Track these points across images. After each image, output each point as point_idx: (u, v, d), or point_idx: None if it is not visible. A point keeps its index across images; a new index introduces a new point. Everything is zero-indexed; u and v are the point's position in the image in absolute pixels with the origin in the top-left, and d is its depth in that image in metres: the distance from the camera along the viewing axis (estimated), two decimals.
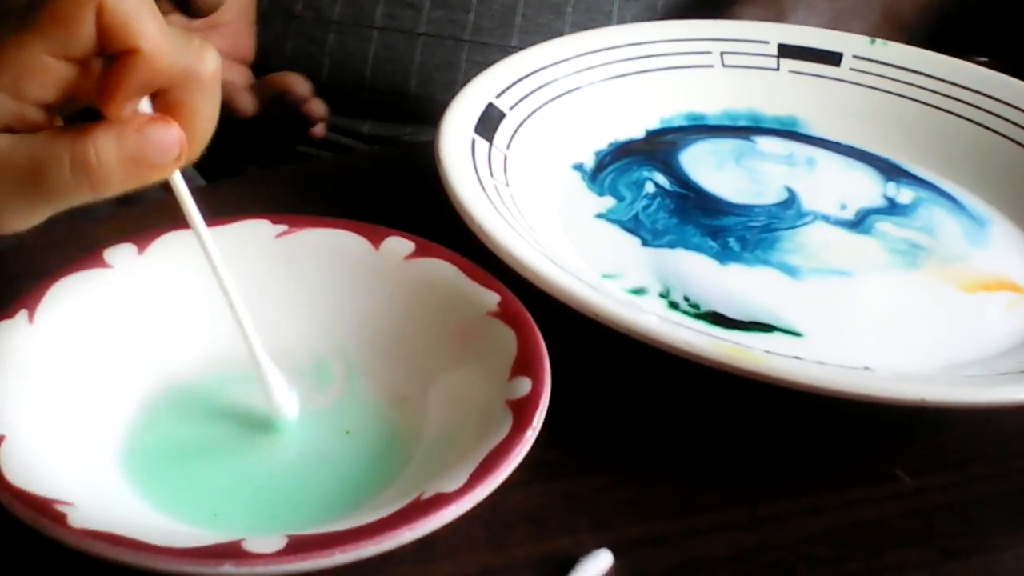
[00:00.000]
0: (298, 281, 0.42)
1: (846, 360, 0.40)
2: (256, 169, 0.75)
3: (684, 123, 0.58)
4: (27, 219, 0.33)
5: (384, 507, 0.32)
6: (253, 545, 0.30)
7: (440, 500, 0.31)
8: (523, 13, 0.69)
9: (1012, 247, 0.50)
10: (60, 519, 0.30)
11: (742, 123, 0.58)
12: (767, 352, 0.39)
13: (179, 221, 0.36)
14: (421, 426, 0.38)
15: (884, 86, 0.59)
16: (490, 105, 0.52)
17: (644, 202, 0.51)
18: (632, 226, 0.50)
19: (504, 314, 0.39)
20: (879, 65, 0.60)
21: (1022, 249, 0.50)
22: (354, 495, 0.35)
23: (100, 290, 0.39)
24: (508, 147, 0.51)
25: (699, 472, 0.39)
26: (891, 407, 0.37)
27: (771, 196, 0.53)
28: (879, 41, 0.60)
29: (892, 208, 0.52)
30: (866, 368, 0.39)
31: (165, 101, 0.32)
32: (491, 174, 0.48)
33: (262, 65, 0.72)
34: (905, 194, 0.54)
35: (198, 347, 0.40)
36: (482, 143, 0.50)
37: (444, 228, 0.43)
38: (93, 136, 0.31)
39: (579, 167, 0.54)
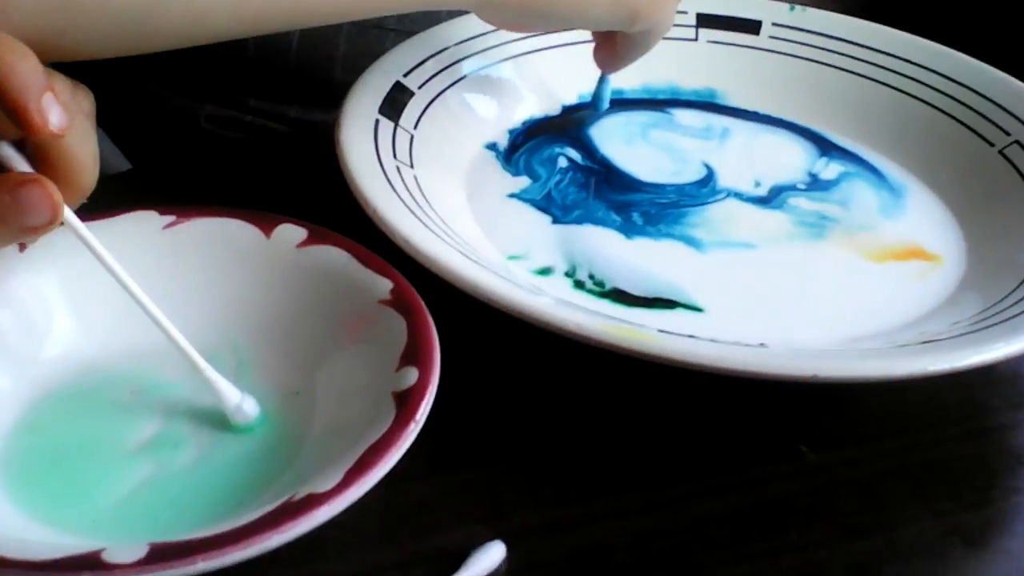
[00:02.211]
0: (187, 273, 0.40)
1: (745, 335, 0.40)
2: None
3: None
4: None
5: (261, 509, 0.31)
6: (113, 555, 0.29)
7: (311, 501, 0.30)
8: None
9: (927, 215, 0.50)
10: None
11: (661, 97, 0.57)
12: (661, 331, 0.38)
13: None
14: (311, 420, 0.37)
15: (804, 53, 0.58)
16: (397, 84, 0.51)
17: (557, 178, 0.50)
18: (544, 204, 0.49)
19: (396, 302, 0.38)
20: (799, 32, 0.59)
21: (936, 217, 0.50)
22: (239, 496, 0.34)
23: None
24: (415, 127, 0.50)
25: (597, 457, 0.38)
26: (795, 383, 0.36)
27: (689, 174, 0.52)
28: (798, 7, 0.59)
29: (813, 184, 0.52)
30: (761, 344, 0.38)
31: (41, 151, 0.32)
32: (394, 155, 0.47)
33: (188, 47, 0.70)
34: (832, 169, 0.53)
35: (85, 344, 0.39)
36: (386, 123, 0.49)
37: (349, 213, 0.42)
38: None
39: (492, 147, 0.53)
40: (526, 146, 0.53)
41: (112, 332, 0.39)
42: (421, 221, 0.42)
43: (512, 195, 0.50)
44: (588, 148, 0.53)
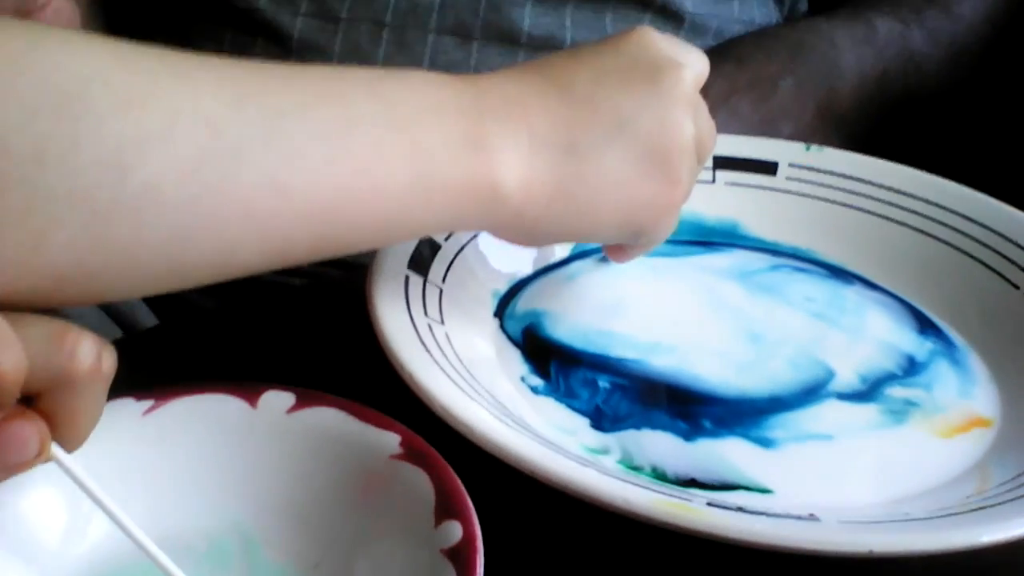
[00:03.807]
0: (175, 458, 0.39)
1: (792, 496, 0.39)
2: (212, 303, 0.73)
3: None
4: None
5: None
6: None
7: None
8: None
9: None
10: None
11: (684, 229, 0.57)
12: (710, 505, 0.37)
13: None
14: None
15: (822, 194, 0.59)
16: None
17: (603, 396, 0.46)
18: (595, 417, 0.45)
19: (409, 455, 0.37)
20: (816, 173, 0.59)
21: (972, 368, 0.49)
22: None
23: None
24: (444, 281, 0.50)
25: None
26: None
27: (800, 374, 0.48)
28: (815, 147, 0.60)
29: (910, 369, 0.49)
30: (811, 516, 0.38)
31: (40, 401, 0.30)
32: (425, 312, 0.47)
33: None
34: (925, 348, 0.50)
35: (108, 542, 0.38)
36: (416, 279, 0.49)
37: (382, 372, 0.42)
38: None
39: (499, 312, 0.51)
40: (553, 364, 0.48)
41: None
42: (455, 383, 0.41)
43: (543, 392, 0.46)
44: (632, 374, 0.47)
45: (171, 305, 0.72)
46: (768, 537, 0.34)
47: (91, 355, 0.30)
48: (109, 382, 0.31)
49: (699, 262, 0.56)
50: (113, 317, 0.66)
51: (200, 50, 0.34)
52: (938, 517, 0.37)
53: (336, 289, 0.59)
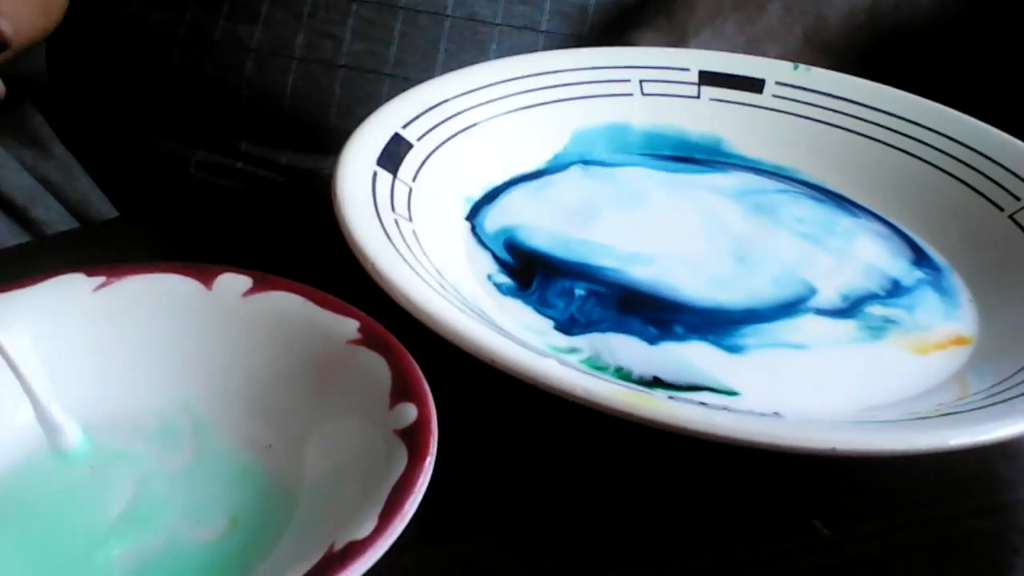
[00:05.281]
0: (125, 336, 0.38)
1: (759, 400, 0.38)
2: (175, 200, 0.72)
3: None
4: None
5: (285, 565, 0.30)
6: None
7: (355, 548, 0.29)
8: (446, 48, 0.67)
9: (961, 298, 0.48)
10: None
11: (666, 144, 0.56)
12: (671, 399, 0.36)
13: None
14: (300, 472, 0.35)
15: (808, 113, 0.57)
16: (396, 136, 0.50)
17: (577, 304, 0.45)
18: (566, 324, 0.43)
19: (367, 340, 0.36)
20: (803, 91, 0.58)
21: (966, 298, 0.48)
22: (242, 557, 0.32)
23: None
24: (414, 180, 0.49)
25: (599, 530, 0.36)
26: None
27: (779, 291, 0.46)
28: (802, 67, 0.58)
29: (893, 291, 0.47)
30: (775, 413, 0.37)
31: None
32: (393, 208, 0.46)
33: (180, 89, 0.69)
34: (914, 276, 0.49)
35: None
36: (385, 176, 0.47)
37: (346, 266, 0.40)
38: None
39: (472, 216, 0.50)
40: (538, 276, 0.46)
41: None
42: (420, 276, 0.40)
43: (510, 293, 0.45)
44: (612, 282, 0.46)
45: (133, 199, 0.70)
46: (728, 430, 0.33)
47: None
48: None
49: (702, 180, 0.54)
50: (72, 210, 0.65)
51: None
52: (906, 420, 0.36)
53: (301, 189, 0.57)
